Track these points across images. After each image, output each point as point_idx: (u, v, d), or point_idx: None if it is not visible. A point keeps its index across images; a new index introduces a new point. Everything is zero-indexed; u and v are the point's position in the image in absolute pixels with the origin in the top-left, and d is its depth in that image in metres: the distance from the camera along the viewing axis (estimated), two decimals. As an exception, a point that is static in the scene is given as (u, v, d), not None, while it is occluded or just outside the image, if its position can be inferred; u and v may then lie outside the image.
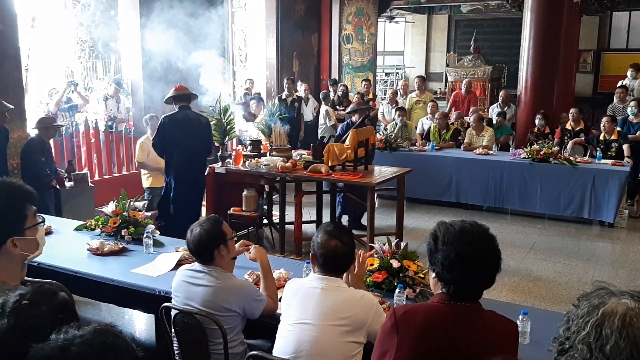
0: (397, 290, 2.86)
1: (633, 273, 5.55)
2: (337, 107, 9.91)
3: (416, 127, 8.93)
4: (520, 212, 7.42)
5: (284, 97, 9.47)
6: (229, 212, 5.95)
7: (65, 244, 3.86)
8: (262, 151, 6.32)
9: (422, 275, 3.04)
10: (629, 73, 9.11)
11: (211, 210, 6.15)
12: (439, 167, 7.78)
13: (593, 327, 1.16)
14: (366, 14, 12.18)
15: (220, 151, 6.18)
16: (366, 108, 7.02)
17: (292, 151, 6.52)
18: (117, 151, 7.68)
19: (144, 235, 3.80)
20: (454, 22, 15.69)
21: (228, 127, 6.12)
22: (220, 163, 6.10)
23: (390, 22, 16.25)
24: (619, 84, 8.90)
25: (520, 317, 2.59)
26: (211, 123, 6.05)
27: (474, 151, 7.80)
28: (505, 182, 7.33)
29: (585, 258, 5.94)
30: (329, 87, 10.62)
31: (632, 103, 7.66)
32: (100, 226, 4.12)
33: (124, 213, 4.11)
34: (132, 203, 4.26)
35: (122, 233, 3.98)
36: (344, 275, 2.62)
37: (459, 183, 7.67)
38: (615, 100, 8.44)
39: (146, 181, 6.86)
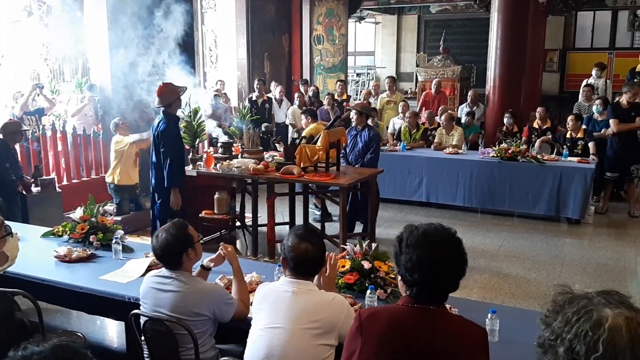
0: (368, 292, 2.88)
1: (600, 268, 5.68)
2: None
3: (387, 127, 9.00)
4: (490, 210, 7.53)
5: (254, 98, 9.44)
6: (200, 215, 5.91)
7: (32, 251, 3.78)
8: (233, 153, 6.29)
9: (394, 276, 3.06)
10: (593, 72, 9.33)
11: (182, 213, 6.10)
12: (410, 167, 7.85)
13: (605, 345, 1.18)
14: (336, 14, 12.22)
15: (191, 154, 6.12)
16: (370, 109, 7.08)
17: (264, 153, 6.51)
18: (85, 155, 7.55)
19: (113, 241, 3.74)
20: (423, 22, 15.84)
21: (199, 129, 6.06)
22: (191, 166, 6.05)
23: (360, 22, 16.33)
24: (584, 82, 9.11)
25: (489, 315, 2.64)
26: (181, 125, 5.99)
27: (444, 150, 7.90)
28: (475, 180, 7.43)
29: (554, 254, 6.06)
30: (300, 87, 10.62)
31: (598, 101, 7.84)
32: (68, 232, 4.05)
33: (92, 219, 4.05)
34: (101, 208, 4.19)
35: (91, 239, 3.92)
36: (315, 278, 2.63)
37: (430, 182, 7.75)
38: (580, 98, 8.64)
39: (113, 176, 6.77)
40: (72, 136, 7.46)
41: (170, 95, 5.35)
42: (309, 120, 6.90)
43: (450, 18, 15.14)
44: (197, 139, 6.14)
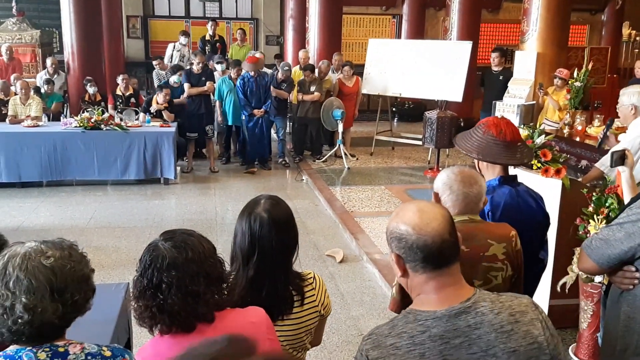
0: None
1: (186, 224, 6.10)
2: None
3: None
4: (84, 182, 7.26)
5: None
6: None
7: None
8: None
9: None
10: (181, 39, 9.81)
11: None
12: (-16, 145, 6.93)
13: None
14: None
15: None
16: None
17: None
18: None
19: None
20: (-14, -21, 13.82)
21: None
22: None
23: None
24: (170, 48, 9.56)
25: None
26: None
27: (22, 124, 7.21)
28: (60, 153, 7.06)
29: (144, 217, 6.26)
30: None
31: (180, 71, 8.26)
32: None
33: None
34: None
35: None
36: None
37: (10, 160, 7.01)
38: (157, 67, 9.09)
39: None
40: None
41: None
42: None
43: (21, -24, 13.62)
44: None
